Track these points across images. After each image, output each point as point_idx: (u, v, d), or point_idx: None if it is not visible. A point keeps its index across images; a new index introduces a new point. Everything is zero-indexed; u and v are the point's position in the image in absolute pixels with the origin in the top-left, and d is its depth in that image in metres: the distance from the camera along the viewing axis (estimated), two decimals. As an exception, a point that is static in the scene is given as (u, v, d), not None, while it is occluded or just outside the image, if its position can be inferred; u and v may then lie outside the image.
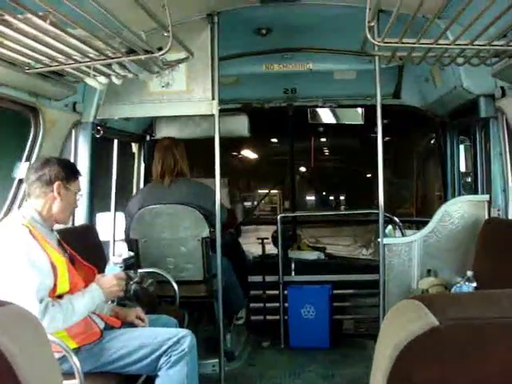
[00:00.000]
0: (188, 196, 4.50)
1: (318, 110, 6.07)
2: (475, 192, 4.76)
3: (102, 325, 3.09)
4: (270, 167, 13.88)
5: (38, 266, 2.76)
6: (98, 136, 4.52)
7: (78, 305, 2.85)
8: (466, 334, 1.13)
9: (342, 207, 14.96)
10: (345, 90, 5.63)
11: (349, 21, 3.83)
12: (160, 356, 3.06)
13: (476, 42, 3.01)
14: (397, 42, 3.01)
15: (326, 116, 6.21)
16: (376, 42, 3.04)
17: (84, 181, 4.47)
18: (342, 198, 16.17)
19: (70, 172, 3.08)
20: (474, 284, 3.82)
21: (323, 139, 13.14)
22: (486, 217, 4.23)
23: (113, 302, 3.39)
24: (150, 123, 5.73)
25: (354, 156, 14.13)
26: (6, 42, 2.77)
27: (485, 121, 4.25)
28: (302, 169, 13.81)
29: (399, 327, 1.19)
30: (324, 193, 16.25)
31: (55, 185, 2.99)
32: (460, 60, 3.47)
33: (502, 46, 2.97)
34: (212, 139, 4.22)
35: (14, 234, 2.81)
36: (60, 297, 2.85)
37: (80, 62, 3.15)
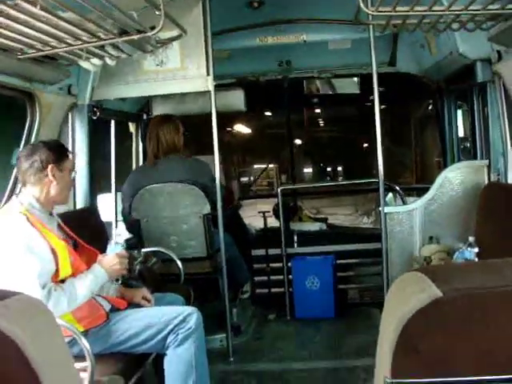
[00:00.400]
0: (182, 173, 4.47)
1: (314, 80, 6.05)
2: (474, 157, 4.76)
3: (108, 307, 3.11)
4: (265, 141, 13.84)
5: (38, 253, 2.76)
6: (94, 118, 4.51)
7: (81, 286, 2.87)
8: (468, 305, 1.15)
9: (340, 178, 14.92)
10: (340, 59, 5.60)
11: None
12: (167, 335, 3.08)
13: (471, 7, 2.99)
14: (390, 11, 2.99)
15: (321, 87, 6.18)
16: (370, 12, 3.03)
17: (83, 163, 4.49)
18: (339, 168, 16.11)
19: (59, 153, 3.06)
20: (476, 249, 3.83)
21: (319, 110, 13.05)
22: (486, 181, 4.24)
23: (117, 280, 3.40)
24: (146, 102, 5.71)
25: (350, 126, 14.06)
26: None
27: (482, 85, 4.24)
28: (298, 141, 13.71)
29: (403, 300, 1.21)
30: (322, 164, 16.20)
31: (48, 169, 2.97)
32: (455, 25, 3.45)
33: (497, 9, 2.95)
34: (204, 115, 4.20)
35: (11, 222, 2.81)
36: (63, 281, 2.86)
37: (73, 45, 3.14)
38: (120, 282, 3.43)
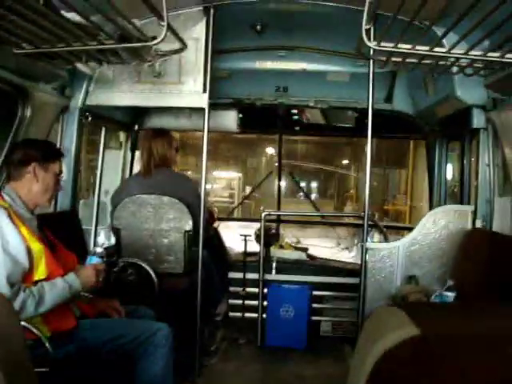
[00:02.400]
0: (170, 187, 4.46)
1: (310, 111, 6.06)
2: (461, 201, 4.78)
3: (77, 313, 3.05)
4: (228, 145, 13.74)
5: (12, 250, 2.71)
6: (85, 122, 4.48)
7: (52, 293, 2.79)
8: (445, 346, 1.12)
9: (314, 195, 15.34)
10: (337, 91, 5.61)
11: (345, 22, 3.82)
12: (135, 348, 3.03)
13: (471, 52, 3.01)
14: (392, 47, 3.00)
15: (317, 116, 6.20)
16: (371, 45, 3.03)
17: (69, 166, 4.45)
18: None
19: (47, 153, 3.05)
20: (454, 293, 3.82)
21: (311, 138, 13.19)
22: (470, 227, 4.24)
23: (91, 293, 3.33)
24: (140, 112, 5.69)
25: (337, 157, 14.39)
26: (-3, 21, 2.72)
27: (475, 131, 4.26)
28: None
29: (379, 334, 1.18)
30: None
31: (31, 166, 2.96)
32: (454, 69, 3.47)
33: (496, 57, 2.97)
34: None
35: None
36: (37, 283, 2.80)
37: (72, 46, 3.11)
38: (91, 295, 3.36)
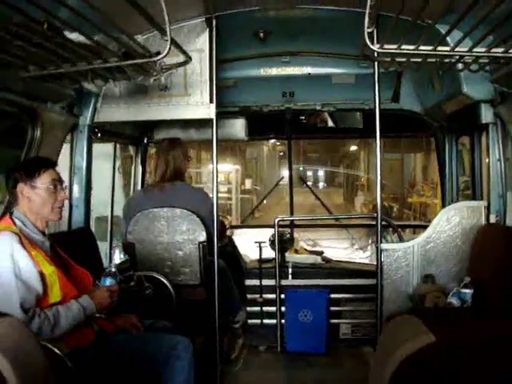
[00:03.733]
0: (183, 199, 4.48)
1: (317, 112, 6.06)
2: (473, 198, 4.76)
3: (96, 328, 3.07)
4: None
5: (25, 276, 2.73)
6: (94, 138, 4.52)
7: (67, 316, 2.82)
8: (459, 351, 1.12)
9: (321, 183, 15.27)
10: (343, 94, 5.62)
11: (348, 25, 3.82)
12: (156, 362, 3.04)
13: (475, 49, 3.00)
14: (395, 48, 3.00)
15: (324, 118, 6.19)
16: (375, 48, 3.03)
17: (81, 183, 4.48)
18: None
19: (30, 170, 3.01)
20: (471, 290, 3.81)
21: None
22: (484, 222, 4.23)
23: (104, 314, 3.33)
24: (148, 126, 5.72)
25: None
26: (3, 46, 2.75)
27: (484, 126, 4.25)
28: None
29: (396, 343, 1.18)
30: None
31: (17, 189, 2.97)
32: (459, 66, 3.46)
33: (501, 53, 2.96)
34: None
35: (2, 242, 2.77)
36: (52, 306, 2.82)
37: (77, 65, 3.14)
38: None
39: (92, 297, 2.98)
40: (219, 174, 5.21)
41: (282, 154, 38.65)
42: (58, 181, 3.08)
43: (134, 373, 3.01)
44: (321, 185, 48.85)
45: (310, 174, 47.60)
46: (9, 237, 2.77)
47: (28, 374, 1.21)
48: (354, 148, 34.65)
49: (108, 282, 3.15)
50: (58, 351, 2.63)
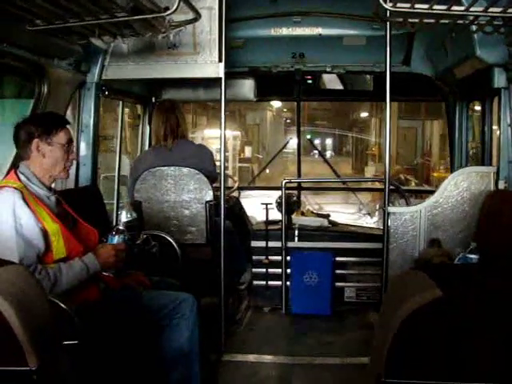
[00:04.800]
0: (190, 157, 4.50)
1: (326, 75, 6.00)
2: (482, 163, 4.72)
3: (102, 286, 3.08)
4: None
5: (26, 233, 2.73)
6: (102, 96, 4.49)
7: (69, 275, 2.81)
8: (468, 305, 1.12)
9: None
10: (354, 56, 5.54)
11: None
12: (161, 319, 3.06)
13: (490, 10, 2.94)
14: (409, 8, 2.94)
15: (334, 81, 6.14)
16: (388, 7, 2.98)
17: (88, 141, 4.47)
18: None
19: (48, 126, 2.98)
20: (477, 256, 3.80)
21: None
22: (493, 188, 4.20)
23: (112, 273, 3.33)
24: (156, 84, 5.68)
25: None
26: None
27: (496, 91, 4.18)
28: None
29: (403, 297, 1.18)
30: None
31: (33, 144, 2.93)
32: (473, 28, 3.41)
33: (516, 14, 2.90)
34: None
35: (4, 198, 2.76)
36: (58, 261, 2.83)
37: (85, 20, 3.09)
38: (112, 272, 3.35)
39: (98, 255, 2.97)
40: (214, 141, 5.22)
41: (288, 120, 36.57)
42: (71, 140, 3.08)
43: (139, 329, 3.03)
44: (328, 153, 46.28)
45: (317, 142, 46.57)
46: (11, 193, 2.76)
47: (32, 320, 1.21)
48: (364, 114, 33.11)
49: (115, 239, 3.15)
50: (63, 305, 2.63)
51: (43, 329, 1.26)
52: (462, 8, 2.98)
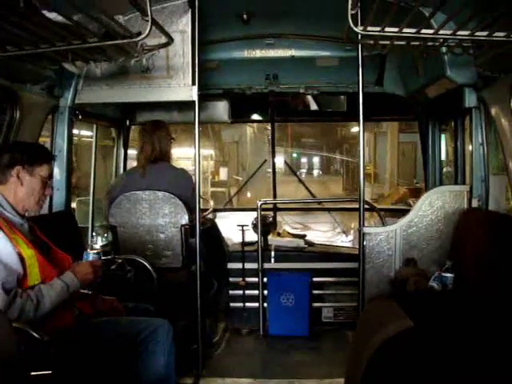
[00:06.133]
0: (166, 181, 4.47)
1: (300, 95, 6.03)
2: (455, 182, 4.78)
3: (76, 312, 3.05)
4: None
5: (4, 258, 2.70)
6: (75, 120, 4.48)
7: (50, 295, 2.79)
8: (436, 336, 1.13)
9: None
10: (327, 77, 5.59)
11: (332, 6, 3.78)
12: (137, 346, 3.03)
13: (459, 33, 2.99)
14: (379, 31, 2.98)
15: (308, 102, 6.18)
16: (358, 31, 3.02)
17: (62, 165, 4.44)
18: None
19: (33, 156, 2.98)
20: (453, 274, 3.83)
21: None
22: (466, 206, 4.24)
23: (90, 290, 3.32)
24: (130, 107, 5.67)
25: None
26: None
27: (467, 111, 4.24)
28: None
29: (374, 327, 1.18)
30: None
31: (14, 169, 2.92)
32: (443, 49, 3.46)
33: (484, 37, 2.95)
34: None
35: None
36: (32, 288, 2.79)
37: (56, 46, 3.08)
38: (91, 290, 3.34)
39: (76, 272, 2.96)
40: (186, 162, 5.21)
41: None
42: (51, 176, 3.09)
43: (114, 356, 2.98)
44: (316, 172, 45.43)
45: (304, 160, 44.84)
46: None
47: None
48: (355, 130, 29.19)
49: (91, 256, 3.14)
50: (35, 334, 2.59)
51: (9, 359, 1.24)
52: (431, 31, 3.03)
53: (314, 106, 6.14)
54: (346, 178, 32.79)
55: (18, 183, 2.93)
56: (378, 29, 2.98)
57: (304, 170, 42.99)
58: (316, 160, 46.43)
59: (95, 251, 3.22)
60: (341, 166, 37.53)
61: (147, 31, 3.00)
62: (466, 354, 1.14)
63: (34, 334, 2.56)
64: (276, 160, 6.65)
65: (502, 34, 2.93)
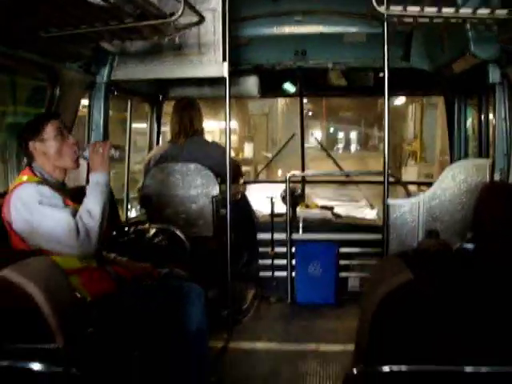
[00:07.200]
0: (201, 154, 4.68)
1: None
2: (479, 155, 4.86)
3: (113, 276, 3.23)
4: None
5: (57, 203, 2.93)
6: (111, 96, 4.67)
7: (92, 201, 3.00)
8: (437, 287, 1.28)
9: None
10: (354, 52, 5.65)
11: None
12: (170, 308, 3.19)
13: (479, 11, 3.08)
14: (401, 10, 3.09)
15: (336, 77, 6.26)
16: (381, 10, 3.12)
17: (99, 139, 4.64)
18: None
19: (33, 126, 3.16)
20: (474, 245, 3.93)
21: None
22: (489, 180, 4.33)
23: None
24: (163, 83, 5.84)
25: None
26: (25, 7, 2.88)
27: (491, 86, 4.31)
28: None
29: (380, 281, 1.34)
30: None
31: (30, 147, 3.12)
32: (467, 26, 3.54)
33: (504, 15, 3.03)
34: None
35: (29, 190, 2.95)
36: None
37: (95, 27, 3.26)
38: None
39: (93, 167, 3.14)
40: (208, 135, 5.38)
41: (310, 113, 30.22)
42: (62, 128, 3.20)
43: (149, 318, 3.15)
44: (353, 147, 43.03)
45: (341, 135, 43.25)
46: (34, 184, 2.97)
47: (58, 304, 1.40)
48: (399, 102, 24.59)
49: (87, 152, 3.20)
50: (79, 294, 2.81)
51: (68, 312, 1.45)
52: (452, 10, 3.12)
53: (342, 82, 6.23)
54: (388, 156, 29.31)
55: (41, 155, 3.11)
56: (400, 8, 3.09)
57: (341, 146, 42.11)
58: (353, 135, 44.24)
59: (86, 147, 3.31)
60: (380, 141, 35.00)
61: (180, 11, 3.16)
62: (461, 307, 1.29)
63: (78, 295, 2.78)
64: (312, 134, 6.77)
65: (521, 12, 3.02)
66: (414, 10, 3.10)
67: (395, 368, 1.35)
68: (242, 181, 5.58)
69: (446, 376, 1.33)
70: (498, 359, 1.30)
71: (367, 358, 1.35)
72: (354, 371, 1.36)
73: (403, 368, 1.35)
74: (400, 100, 23.25)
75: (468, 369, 1.32)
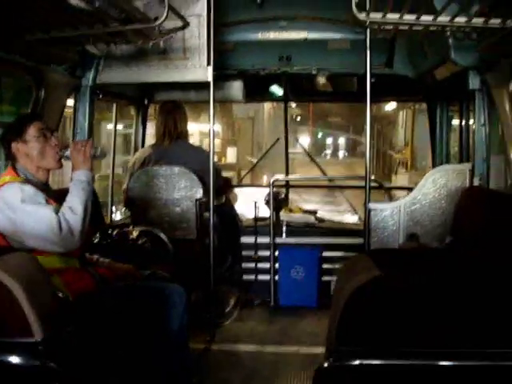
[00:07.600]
0: (185, 157, 4.72)
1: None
2: (460, 161, 4.93)
3: (96, 276, 3.26)
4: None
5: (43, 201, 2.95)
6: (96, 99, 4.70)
7: (74, 198, 3.01)
8: (403, 284, 1.33)
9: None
10: (339, 59, 5.72)
11: None
12: (152, 309, 3.22)
13: (457, 19, 3.14)
14: (381, 18, 3.15)
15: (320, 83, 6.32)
16: (362, 17, 3.18)
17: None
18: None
19: (16, 127, 3.18)
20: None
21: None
22: (468, 185, 4.40)
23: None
24: (149, 87, 5.87)
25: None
26: (10, 10, 2.91)
27: (472, 93, 4.39)
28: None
29: (350, 276, 1.40)
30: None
31: (12, 148, 3.14)
32: (446, 34, 3.60)
33: (481, 24, 3.10)
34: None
35: (12, 189, 2.95)
36: None
37: (80, 30, 3.30)
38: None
39: (75, 165, 3.16)
40: (190, 138, 5.39)
41: (297, 118, 32.08)
42: (45, 129, 3.21)
43: (130, 318, 3.16)
44: (341, 153, 43.31)
45: (329, 141, 43.53)
46: (17, 184, 2.97)
47: (37, 298, 1.43)
48: (389, 108, 25.98)
49: (68, 150, 3.22)
50: (61, 294, 2.83)
51: (47, 306, 1.48)
52: (431, 17, 3.18)
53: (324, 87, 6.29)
54: (376, 162, 29.21)
55: (23, 156, 3.13)
56: (380, 15, 3.15)
57: (329, 152, 42.04)
58: (342, 141, 44.68)
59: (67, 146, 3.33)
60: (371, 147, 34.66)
61: (164, 16, 3.21)
62: (428, 302, 1.34)
63: (60, 295, 2.81)
64: (297, 140, 6.84)
65: (497, 21, 3.09)
66: (393, 17, 3.16)
67: (365, 362, 1.39)
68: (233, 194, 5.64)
69: (414, 369, 1.38)
70: (464, 352, 1.35)
71: (338, 352, 1.40)
72: (325, 365, 1.40)
73: (374, 362, 1.40)
74: (391, 106, 23.05)
75: (436, 362, 1.38)
